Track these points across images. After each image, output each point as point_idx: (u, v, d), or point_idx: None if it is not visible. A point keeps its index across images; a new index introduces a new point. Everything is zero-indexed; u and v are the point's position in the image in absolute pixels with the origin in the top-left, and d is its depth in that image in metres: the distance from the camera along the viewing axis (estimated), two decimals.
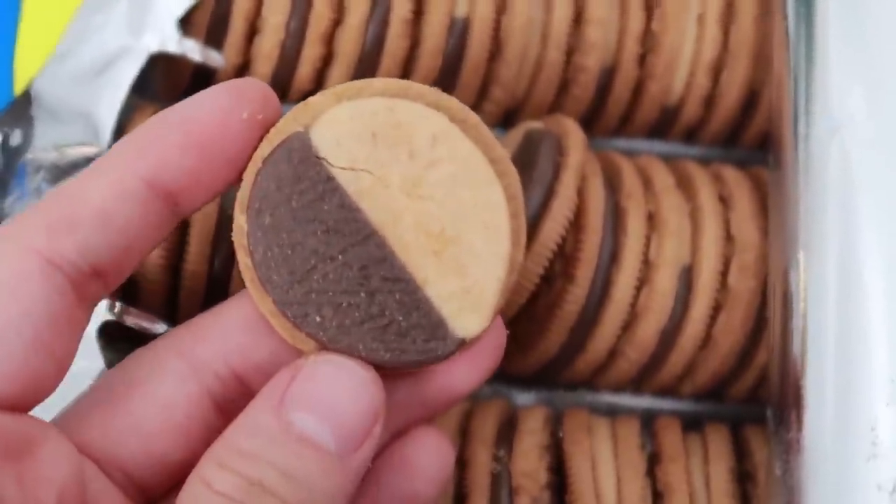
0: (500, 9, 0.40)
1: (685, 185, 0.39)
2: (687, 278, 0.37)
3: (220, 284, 0.36)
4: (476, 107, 0.42)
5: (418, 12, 0.40)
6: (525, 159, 0.36)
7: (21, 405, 0.25)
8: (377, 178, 0.27)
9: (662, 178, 0.38)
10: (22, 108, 0.38)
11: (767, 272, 0.37)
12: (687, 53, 0.41)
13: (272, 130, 0.28)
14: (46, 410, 0.27)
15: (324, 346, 0.28)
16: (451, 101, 0.28)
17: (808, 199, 0.34)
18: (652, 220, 0.37)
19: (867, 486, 0.30)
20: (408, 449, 0.30)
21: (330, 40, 0.40)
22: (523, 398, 0.42)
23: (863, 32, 0.34)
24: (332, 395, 0.26)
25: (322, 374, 0.27)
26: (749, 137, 0.42)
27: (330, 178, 0.27)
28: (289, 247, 0.27)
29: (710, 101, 0.41)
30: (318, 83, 0.41)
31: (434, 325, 0.28)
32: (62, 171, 0.37)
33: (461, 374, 0.30)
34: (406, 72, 0.40)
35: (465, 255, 0.28)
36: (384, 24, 0.39)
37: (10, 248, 0.26)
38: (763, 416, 0.36)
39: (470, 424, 0.38)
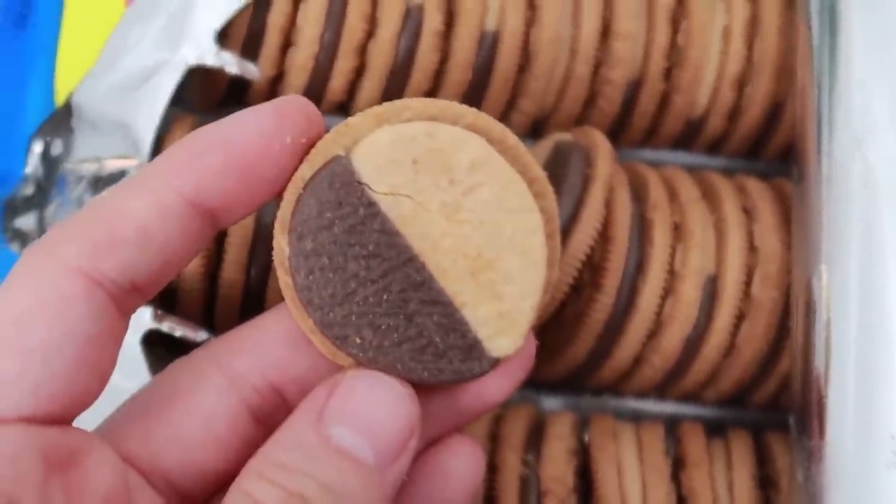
0: (530, 22, 0.40)
1: (710, 197, 0.39)
2: (711, 288, 0.37)
3: (256, 293, 0.37)
4: (504, 117, 0.42)
5: (449, 25, 0.40)
6: (555, 171, 0.37)
7: (66, 418, 0.26)
8: (417, 203, 0.28)
9: (687, 189, 0.39)
10: (63, 119, 0.39)
11: (790, 282, 0.37)
12: (712, 67, 0.41)
13: (312, 151, 0.28)
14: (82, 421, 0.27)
15: (362, 364, 0.28)
16: (490, 122, 0.29)
17: (830, 212, 0.34)
18: (677, 230, 0.38)
19: (888, 494, 0.31)
20: (441, 457, 0.31)
21: (362, 53, 0.40)
22: (550, 403, 0.42)
23: (887, 47, 0.35)
24: (369, 409, 0.27)
25: (360, 389, 0.27)
26: (772, 149, 0.43)
27: (371, 203, 0.28)
28: (330, 270, 0.28)
29: (734, 114, 0.42)
30: (351, 94, 0.41)
31: (470, 346, 0.28)
32: (102, 182, 0.38)
33: (494, 385, 0.30)
34: (436, 84, 0.41)
35: (501, 279, 0.28)
36: (416, 37, 0.40)
37: (53, 267, 0.26)
38: (785, 423, 0.36)
39: (499, 430, 0.38)
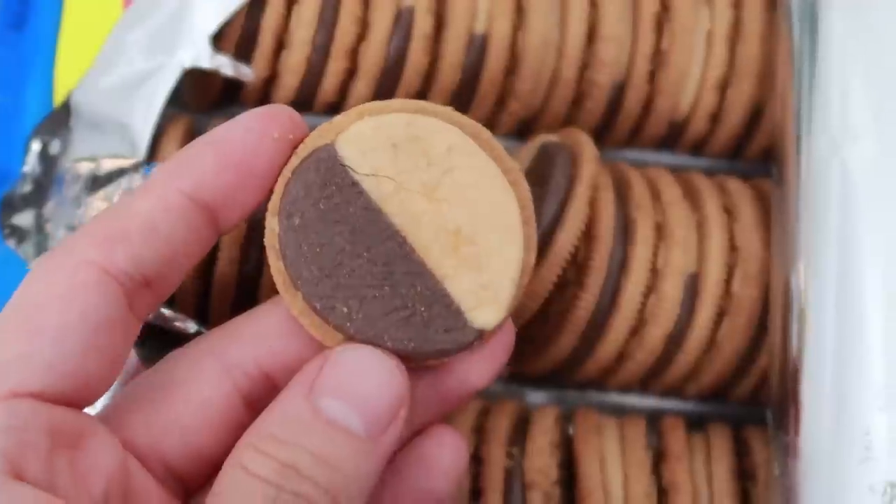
0: (518, 26, 0.41)
1: (692, 197, 0.40)
2: (692, 286, 0.38)
3: (249, 287, 0.38)
4: (493, 118, 0.43)
5: (439, 28, 0.41)
6: (541, 171, 0.38)
7: (74, 403, 0.27)
8: (398, 183, 0.29)
9: (670, 189, 0.40)
10: (61, 119, 0.40)
11: (769, 281, 0.38)
12: (695, 71, 0.42)
13: (300, 147, 0.30)
14: None
15: (351, 338, 0.29)
16: (464, 119, 0.31)
17: (808, 213, 0.35)
18: (660, 230, 0.39)
19: (860, 488, 0.32)
20: (426, 446, 0.32)
21: (354, 55, 0.41)
22: (536, 397, 0.43)
23: (866, 53, 0.36)
24: (358, 381, 0.28)
25: (349, 361, 0.28)
26: (753, 151, 0.44)
27: (355, 184, 0.29)
28: (317, 245, 0.29)
29: (716, 117, 0.43)
30: (342, 95, 0.42)
31: (454, 316, 0.29)
32: (100, 181, 0.38)
33: (476, 370, 0.31)
34: (426, 85, 0.42)
35: (481, 254, 0.30)
36: (406, 39, 0.41)
37: (69, 261, 0.28)
38: (763, 417, 0.37)
39: (485, 423, 0.39)
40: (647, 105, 0.43)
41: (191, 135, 0.40)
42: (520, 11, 0.41)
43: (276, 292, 0.31)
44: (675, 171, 0.42)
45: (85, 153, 0.39)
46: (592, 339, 0.39)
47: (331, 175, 0.29)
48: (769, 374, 0.37)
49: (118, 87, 0.40)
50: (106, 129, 0.39)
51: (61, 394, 0.27)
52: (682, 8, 0.42)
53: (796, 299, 0.35)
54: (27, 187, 0.40)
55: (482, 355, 0.31)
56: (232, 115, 0.41)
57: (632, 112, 0.43)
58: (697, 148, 0.44)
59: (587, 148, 0.39)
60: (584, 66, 0.42)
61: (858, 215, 0.34)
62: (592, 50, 0.42)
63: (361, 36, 0.41)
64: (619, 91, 0.42)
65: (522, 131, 0.44)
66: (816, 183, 0.35)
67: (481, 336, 0.30)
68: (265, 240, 0.30)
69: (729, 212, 0.40)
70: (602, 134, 0.44)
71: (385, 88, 0.41)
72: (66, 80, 0.41)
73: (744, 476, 0.38)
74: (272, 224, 0.30)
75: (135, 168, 0.38)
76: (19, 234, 0.39)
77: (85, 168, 0.39)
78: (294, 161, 0.30)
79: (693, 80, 0.42)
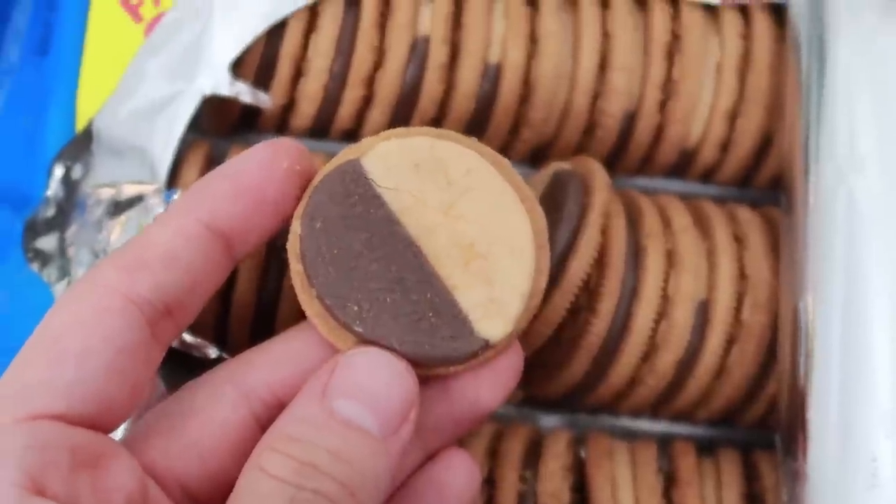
0: (531, 55, 0.42)
1: (702, 225, 0.40)
2: (703, 313, 0.39)
3: (266, 312, 0.39)
4: (506, 146, 0.44)
5: (454, 57, 0.42)
6: (554, 199, 0.38)
7: (97, 426, 0.28)
8: (417, 198, 0.31)
9: (681, 217, 0.40)
10: (83, 144, 0.41)
11: (778, 308, 0.38)
12: (705, 101, 0.42)
13: (328, 164, 0.32)
14: None
15: (361, 340, 0.30)
16: (485, 148, 0.32)
17: (815, 242, 0.36)
18: (670, 257, 0.39)
19: None
20: (439, 469, 0.33)
21: (370, 83, 0.42)
22: (548, 420, 0.44)
23: (873, 85, 0.36)
24: (370, 382, 0.29)
25: (360, 364, 0.29)
26: (762, 179, 0.44)
27: (376, 196, 0.31)
28: (336, 248, 0.30)
29: (726, 146, 0.43)
30: (359, 123, 0.43)
31: (460, 325, 0.30)
32: (120, 207, 0.39)
33: (486, 391, 0.32)
34: (441, 113, 0.42)
35: (491, 269, 0.31)
36: (422, 68, 0.41)
37: (93, 288, 0.28)
38: (772, 442, 0.38)
39: (499, 447, 0.40)
40: (658, 134, 0.43)
41: (210, 160, 0.41)
42: (533, 41, 0.42)
43: (294, 318, 0.32)
44: (686, 198, 0.42)
45: (106, 179, 0.40)
46: (604, 364, 0.39)
47: (354, 186, 0.31)
48: (778, 400, 0.38)
49: (139, 114, 0.40)
50: (126, 155, 0.40)
51: (83, 417, 0.27)
52: (693, 39, 0.42)
53: (804, 327, 0.36)
54: (50, 211, 0.40)
55: (491, 377, 0.32)
56: (250, 141, 0.43)
57: (643, 140, 0.43)
58: (707, 176, 0.45)
59: (599, 176, 0.39)
60: (596, 95, 0.43)
61: (864, 244, 0.35)
62: (604, 79, 0.42)
63: (378, 64, 0.42)
64: (631, 120, 0.43)
65: (535, 159, 0.45)
66: (823, 212, 0.36)
67: (487, 347, 0.31)
68: (287, 244, 0.31)
69: (739, 240, 0.40)
70: (613, 162, 0.44)
71: (400, 116, 0.42)
72: (87, 106, 0.41)
73: (753, 501, 0.39)
74: (295, 227, 0.31)
75: (155, 194, 0.39)
76: (43, 257, 0.40)
77: (106, 193, 0.40)
78: (320, 175, 0.31)
79: (703, 109, 0.43)
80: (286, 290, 0.38)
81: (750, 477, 0.40)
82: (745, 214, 0.41)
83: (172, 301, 0.29)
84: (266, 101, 0.42)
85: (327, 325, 0.31)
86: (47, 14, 0.44)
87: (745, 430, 0.42)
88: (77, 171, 0.41)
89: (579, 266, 0.37)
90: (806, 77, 0.38)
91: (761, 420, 0.41)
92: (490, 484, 0.39)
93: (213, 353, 0.38)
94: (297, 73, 0.42)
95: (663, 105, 0.43)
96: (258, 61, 0.41)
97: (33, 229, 0.40)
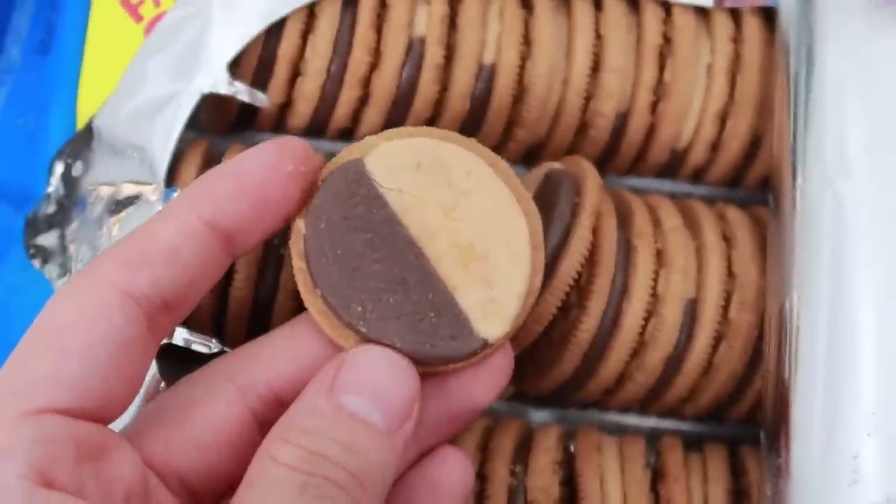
0: (525, 57, 0.42)
1: (691, 224, 0.41)
2: (691, 311, 0.39)
3: (263, 308, 0.39)
4: (500, 146, 0.44)
5: (449, 58, 0.42)
6: (546, 198, 0.39)
7: (98, 419, 0.28)
8: (418, 199, 0.32)
9: (670, 217, 0.41)
10: (84, 142, 0.41)
11: (765, 307, 0.39)
12: (696, 102, 0.43)
13: (331, 162, 0.32)
14: None
15: (363, 338, 0.31)
16: (485, 150, 0.33)
17: (802, 243, 0.36)
18: (660, 256, 0.40)
19: None
20: (433, 465, 0.33)
21: (366, 83, 0.42)
22: (539, 415, 0.44)
23: (860, 90, 0.37)
24: (376, 378, 0.30)
25: (365, 361, 0.30)
26: (751, 179, 0.44)
27: (378, 196, 0.31)
28: (339, 248, 0.31)
29: (716, 146, 0.43)
30: (355, 122, 0.43)
31: (460, 325, 0.31)
32: (120, 204, 0.40)
33: (480, 388, 0.33)
34: (436, 113, 0.43)
35: (490, 270, 0.31)
36: (417, 69, 0.42)
37: (92, 283, 0.29)
38: (758, 438, 0.38)
39: (490, 442, 0.40)
40: (650, 134, 0.44)
41: (208, 158, 0.42)
42: (527, 43, 0.42)
43: (291, 314, 0.32)
44: (676, 198, 0.43)
45: (105, 177, 0.40)
46: (594, 360, 0.40)
47: (357, 186, 0.31)
48: (764, 397, 0.38)
49: (138, 113, 0.41)
50: (126, 154, 0.41)
51: (85, 410, 0.28)
52: (684, 41, 0.43)
53: (790, 326, 0.36)
54: (51, 208, 0.41)
55: (485, 375, 0.33)
56: (248, 139, 0.43)
57: (634, 141, 0.44)
58: (697, 176, 0.45)
59: (591, 176, 0.40)
60: (589, 96, 0.43)
61: (850, 247, 0.35)
62: (597, 81, 0.43)
63: (374, 65, 0.42)
64: (623, 121, 0.43)
65: (528, 158, 0.45)
66: (810, 214, 0.36)
67: (485, 346, 0.31)
68: (290, 241, 0.32)
69: (727, 239, 0.41)
70: (605, 162, 0.45)
71: (396, 116, 0.43)
72: (88, 104, 0.42)
73: (739, 495, 0.39)
74: (299, 226, 0.32)
75: (154, 192, 0.39)
76: (44, 254, 0.40)
77: (106, 191, 0.40)
78: (324, 173, 0.32)
79: (694, 110, 0.43)
80: (283, 285, 0.39)
81: (736, 472, 0.40)
82: (734, 214, 0.42)
83: (170, 297, 0.30)
84: (264, 100, 0.42)
85: (330, 324, 0.31)
86: (49, 14, 0.44)
87: (731, 425, 0.43)
88: (78, 169, 0.41)
89: (570, 265, 0.38)
90: (795, 81, 0.39)
91: (748, 416, 0.41)
92: (481, 478, 0.39)
93: (215, 347, 0.39)
94: (295, 73, 0.42)
95: (655, 106, 0.43)
96: (256, 61, 0.42)
97: (34, 226, 0.41)
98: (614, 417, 0.44)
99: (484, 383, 0.33)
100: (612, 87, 0.43)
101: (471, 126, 0.43)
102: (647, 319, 0.39)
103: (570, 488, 0.40)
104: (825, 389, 0.34)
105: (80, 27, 0.43)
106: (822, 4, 0.39)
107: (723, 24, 0.43)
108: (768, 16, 0.43)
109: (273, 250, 0.39)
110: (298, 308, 0.33)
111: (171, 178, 0.40)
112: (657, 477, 0.40)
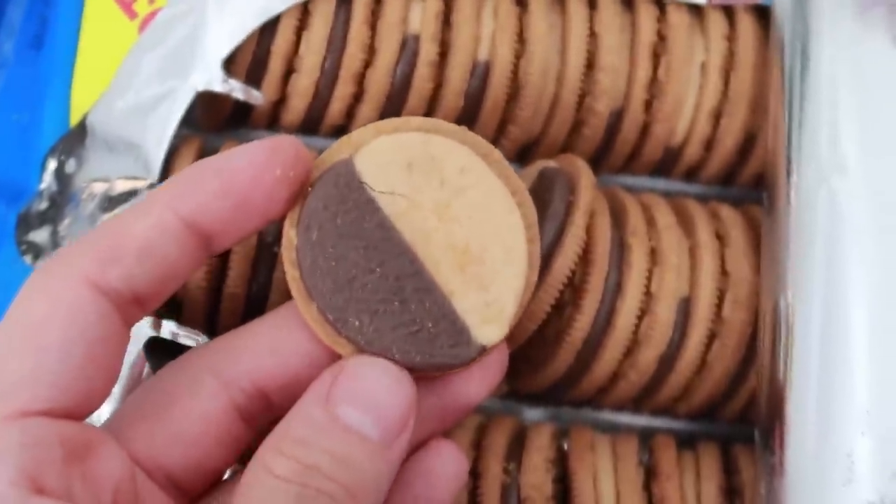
0: (519, 54, 0.42)
1: (685, 223, 0.41)
2: (685, 309, 0.39)
3: (257, 306, 0.39)
4: (494, 143, 0.43)
5: (443, 55, 0.42)
6: (540, 196, 0.39)
7: (76, 415, 0.28)
8: (411, 201, 0.31)
9: (664, 216, 0.41)
10: (77, 138, 0.41)
11: (759, 305, 0.39)
12: (690, 100, 0.43)
13: (318, 160, 0.32)
14: None
15: (360, 349, 0.31)
16: (477, 139, 0.32)
17: (797, 241, 0.36)
18: (654, 255, 0.40)
19: None
20: (427, 458, 0.33)
21: (361, 80, 0.42)
22: (532, 413, 0.44)
23: (855, 87, 0.37)
24: (372, 390, 0.29)
25: (363, 373, 0.30)
26: (745, 177, 0.45)
27: (370, 201, 0.31)
28: (333, 259, 0.31)
29: (709, 144, 0.44)
30: (349, 119, 0.43)
31: (459, 333, 0.31)
32: (113, 202, 0.39)
33: (474, 385, 0.33)
34: (430, 110, 0.43)
35: (486, 273, 0.31)
36: (411, 65, 0.42)
37: (65, 278, 0.29)
38: (751, 436, 0.38)
39: (483, 439, 0.40)
40: (644, 132, 0.44)
41: (202, 155, 0.41)
42: (522, 40, 0.42)
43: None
44: (669, 196, 0.43)
45: (99, 174, 0.40)
46: (588, 359, 0.40)
47: (348, 191, 0.31)
48: (758, 395, 0.38)
49: (132, 110, 0.41)
50: (120, 151, 0.40)
51: (67, 409, 0.28)
52: (678, 39, 0.43)
53: (784, 324, 0.36)
54: (43, 204, 0.41)
55: (479, 372, 0.33)
56: (242, 136, 0.43)
57: (628, 139, 0.44)
58: (691, 174, 0.45)
59: (585, 175, 0.40)
60: (583, 93, 0.43)
61: (845, 244, 0.35)
62: (591, 78, 0.43)
63: (368, 62, 0.42)
64: (617, 118, 0.43)
65: (522, 156, 0.45)
66: (804, 211, 0.36)
67: (483, 352, 0.31)
68: (282, 248, 0.31)
69: (721, 238, 0.41)
70: (599, 160, 0.45)
71: (390, 113, 0.43)
72: (82, 101, 0.41)
73: (732, 494, 0.40)
74: (290, 234, 0.31)
75: (148, 189, 0.39)
76: (36, 250, 0.40)
77: (99, 188, 0.40)
78: (314, 174, 0.31)
79: (688, 108, 0.43)
80: (276, 284, 0.39)
81: (729, 470, 0.40)
82: (728, 212, 0.42)
83: (142, 292, 0.29)
84: (258, 97, 0.42)
85: (326, 332, 0.31)
86: (42, 8, 0.44)
87: (724, 424, 0.43)
88: (71, 165, 0.41)
89: (564, 263, 0.38)
90: (789, 78, 0.39)
91: (741, 414, 0.41)
92: (474, 476, 0.39)
93: (202, 340, 0.39)
94: (289, 70, 0.42)
95: (649, 104, 0.43)
96: (250, 58, 0.42)
97: (26, 222, 0.41)
98: (607, 416, 0.44)
99: (478, 380, 0.33)
100: (606, 85, 0.43)
101: (465, 123, 0.42)
102: (640, 318, 0.39)
103: (564, 486, 0.40)
104: (819, 387, 0.34)
105: (74, 22, 0.42)
106: (816, 3, 0.39)
107: (717, 21, 0.43)
108: (762, 13, 0.43)
109: (266, 248, 0.39)
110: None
111: (166, 175, 0.40)
112: (650, 475, 0.40)
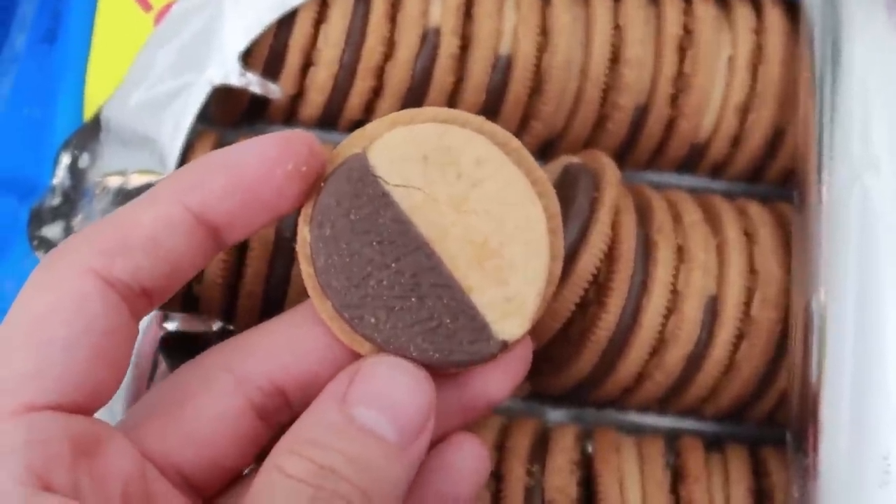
0: (542, 48, 0.42)
1: (712, 220, 0.40)
2: (712, 308, 0.39)
3: (275, 303, 0.39)
4: (516, 138, 0.44)
5: (464, 48, 0.42)
6: (564, 193, 0.38)
7: (86, 409, 0.28)
8: (427, 194, 0.30)
9: (691, 212, 0.40)
10: (91, 133, 0.41)
11: (788, 304, 0.38)
12: (716, 95, 0.42)
13: (333, 153, 0.31)
14: None
15: (378, 347, 0.30)
16: (495, 128, 0.31)
17: (829, 239, 0.36)
18: (680, 252, 0.39)
19: None
20: (448, 452, 0.32)
21: (380, 74, 0.42)
22: (556, 414, 0.43)
23: (887, 83, 0.36)
24: (389, 391, 0.29)
25: (380, 373, 0.29)
26: (773, 174, 0.44)
27: (385, 195, 0.30)
28: (347, 255, 0.30)
29: (736, 140, 0.43)
30: (368, 113, 0.43)
31: (478, 329, 0.30)
32: (127, 196, 0.39)
33: (496, 383, 0.32)
34: (451, 104, 0.42)
35: (506, 266, 0.30)
36: (432, 59, 0.41)
37: (71, 269, 0.28)
38: (780, 438, 0.38)
39: (506, 441, 0.40)
40: (669, 127, 0.43)
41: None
42: (544, 33, 0.42)
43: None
44: (695, 193, 0.42)
45: (114, 168, 0.40)
46: (612, 358, 0.39)
47: (362, 185, 0.30)
48: (789, 397, 0.38)
49: (148, 104, 0.40)
50: (135, 145, 0.40)
51: (74, 403, 0.27)
52: (705, 32, 0.42)
53: (817, 323, 0.35)
54: (56, 200, 0.40)
55: (501, 369, 0.32)
56: (258, 131, 0.43)
57: (653, 134, 0.43)
58: (718, 171, 0.45)
59: (610, 171, 0.39)
60: (608, 88, 0.42)
61: (878, 242, 0.35)
62: (615, 72, 0.42)
63: (388, 55, 0.42)
64: (642, 113, 0.43)
65: (545, 151, 0.44)
66: (837, 209, 0.36)
67: (504, 347, 0.30)
68: (297, 245, 0.31)
69: (749, 235, 0.40)
70: (623, 155, 0.44)
71: (409, 107, 0.41)
72: (96, 95, 0.41)
73: (761, 497, 0.39)
74: (304, 231, 0.30)
75: None
76: (48, 245, 0.39)
77: (114, 182, 0.39)
78: (328, 168, 0.30)
79: (714, 103, 0.42)
80: (294, 280, 0.38)
81: (758, 473, 0.40)
82: (755, 210, 0.41)
83: (149, 285, 0.29)
84: (276, 91, 0.42)
85: (342, 328, 0.30)
86: (55, 2, 0.43)
87: (751, 426, 0.42)
88: (84, 160, 0.40)
89: (589, 260, 0.37)
90: (820, 73, 0.38)
91: (769, 416, 0.41)
92: (497, 478, 0.39)
93: (215, 326, 0.38)
94: (307, 64, 0.42)
95: (674, 99, 0.43)
96: (268, 51, 0.41)
97: (39, 217, 0.40)
98: (632, 417, 0.43)
99: (500, 376, 0.32)
100: (631, 80, 0.42)
101: (486, 117, 0.42)
102: (667, 316, 0.39)
103: (588, 489, 0.39)
104: (854, 388, 0.34)
105: (88, 16, 0.42)
106: None
107: (744, 15, 0.43)
108: (791, 7, 0.43)
109: (284, 244, 0.38)
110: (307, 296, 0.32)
111: None
112: (677, 477, 0.39)
